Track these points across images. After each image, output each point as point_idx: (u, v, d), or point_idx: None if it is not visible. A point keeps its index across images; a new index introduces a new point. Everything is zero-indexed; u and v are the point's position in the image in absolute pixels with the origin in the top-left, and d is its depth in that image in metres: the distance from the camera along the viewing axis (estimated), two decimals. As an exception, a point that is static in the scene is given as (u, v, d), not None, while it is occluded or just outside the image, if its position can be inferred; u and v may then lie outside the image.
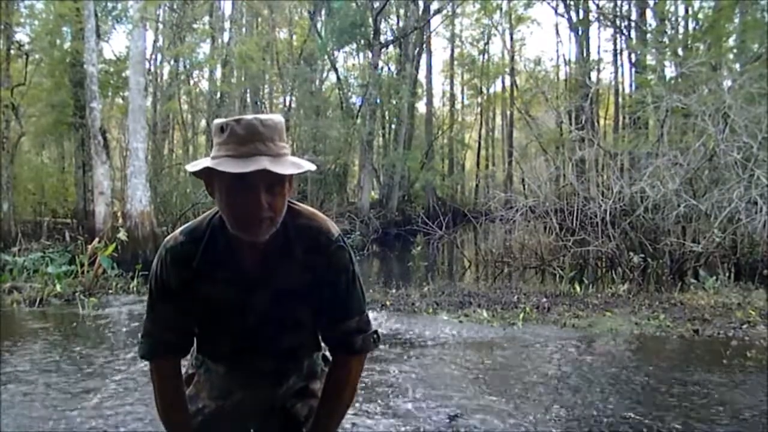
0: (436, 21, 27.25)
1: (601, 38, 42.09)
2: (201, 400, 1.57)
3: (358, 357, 1.49)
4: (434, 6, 25.46)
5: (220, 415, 1.55)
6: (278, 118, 1.30)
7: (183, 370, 1.58)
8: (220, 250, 1.39)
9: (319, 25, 22.88)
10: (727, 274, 8.20)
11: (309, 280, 1.41)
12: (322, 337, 1.54)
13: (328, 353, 1.61)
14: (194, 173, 1.32)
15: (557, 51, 57.58)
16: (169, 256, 1.41)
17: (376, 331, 1.50)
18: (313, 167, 1.30)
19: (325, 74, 26.04)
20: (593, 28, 24.13)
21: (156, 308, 1.44)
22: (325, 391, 1.51)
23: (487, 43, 31.03)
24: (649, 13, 18.72)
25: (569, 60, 26.46)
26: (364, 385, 3.86)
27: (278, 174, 1.22)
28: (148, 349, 1.46)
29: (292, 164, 1.26)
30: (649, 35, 17.78)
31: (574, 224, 10.36)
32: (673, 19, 18.36)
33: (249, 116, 1.26)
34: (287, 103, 23.56)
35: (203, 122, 21.79)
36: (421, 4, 24.39)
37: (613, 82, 24.45)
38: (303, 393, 1.58)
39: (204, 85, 21.87)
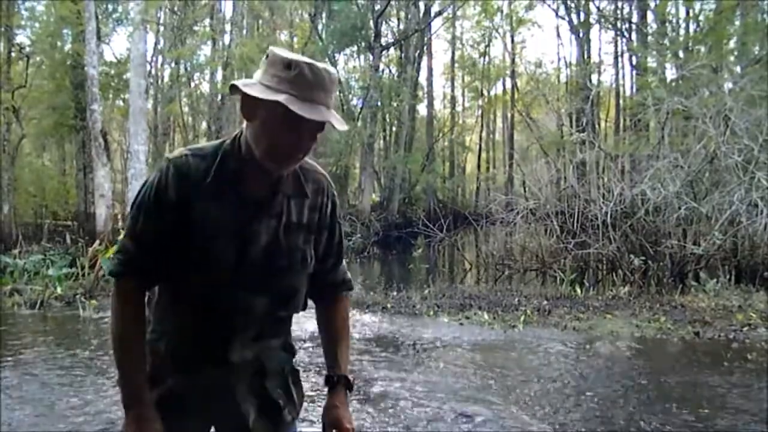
0: (436, 23, 27.32)
1: (602, 41, 42.22)
2: (164, 371, 1.41)
3: (348, 296, 1.64)
4: (435, 8, 25.49)
5: (188, 395, 1.40)
6: (335, 71, 1.33)
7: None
8: (229, 172, 1.35)
9: (319, 28, 22.88)
10: (727, 277, 8.20)
11: (316, 221, 1.47)
12: (320, 280, 1.52)
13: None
14: (241, 92, 1.28)
15: (558, 53, 57.45)
16: (173, 168, 1.33)
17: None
18: (346, 127, 1.35)
19: (325, 76, 25.99)
20: (594, 31, 24.17)
21: (140, 226, 1.34)
22: (335, 324, 1.58)
23: (487, 46, 31.03)
24: (650, 15, 18.74)
25: (570, 62, 26.38)
26: (364, 385, 3.85)
27: (325, 124, 1.28)
28: (120, 267, 1.35)
29: (340, 120, 1.31)
30: (650, 37, 17.79)
31: (575, 227, 10.35)
32: (674, 21, 18.42)
33: (319, 63, 1.29)
34: (288, 105, 23.49)
35: (204, 124, 21.80)
36: (422, 6, 24.40)
37: (613, 85, 24.41)
38: (283, 359, 1.52)
39: (205, 87, 21.88)
